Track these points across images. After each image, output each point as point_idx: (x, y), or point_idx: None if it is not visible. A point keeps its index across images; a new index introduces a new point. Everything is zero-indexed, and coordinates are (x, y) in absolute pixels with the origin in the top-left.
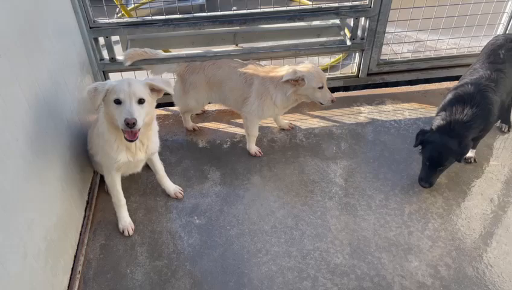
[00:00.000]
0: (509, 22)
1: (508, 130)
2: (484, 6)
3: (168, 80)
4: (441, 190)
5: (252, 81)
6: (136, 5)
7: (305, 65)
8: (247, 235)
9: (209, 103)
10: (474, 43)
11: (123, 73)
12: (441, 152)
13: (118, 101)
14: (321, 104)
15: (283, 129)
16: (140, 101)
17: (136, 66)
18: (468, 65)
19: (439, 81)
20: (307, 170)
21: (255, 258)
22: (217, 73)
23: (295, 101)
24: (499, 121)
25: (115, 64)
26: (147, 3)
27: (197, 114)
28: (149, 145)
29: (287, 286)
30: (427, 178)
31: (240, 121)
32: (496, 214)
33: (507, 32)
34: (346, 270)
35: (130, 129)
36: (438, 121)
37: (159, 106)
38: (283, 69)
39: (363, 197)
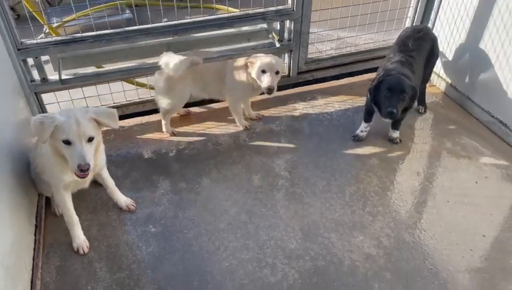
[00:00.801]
0: (415, 15)
1: (425, 111)
2: (392, 3)
3: (113, 111)
4: (375, 170)
5: (227, 60)
6: (59, 23)
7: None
8: (204, 236)
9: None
10: (387, 36)
11: (57, 93)
12: (399, 79)
13: (67, 142)
14: (263, 91)
15: (252, 119)
16: (90, 139)
17: (71, 84)
18: (384, 57)
19: (362, 74)
20: (253, 167)
21: (214, 256)
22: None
23: (253, 84)
24: (416, 104)
25: (47, 85)
26: (70, 21)
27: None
28: (96, 163)
29: (248, 276)
30: (392, 104)
31: (183, 129)
32: (423, 185)
33: (414, 24)
34: (301, 254)
35: (84, 173)
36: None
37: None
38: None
39: (307, 185)
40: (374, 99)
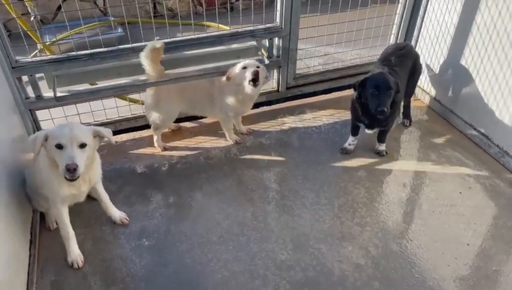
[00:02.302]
0: (399, 32)
1: (410, 124)
2: (377, 20)
3: (109, 130)
4: (363, 182)
5: (213, 80)
6: (53, 40)
7: None
8: (197, 249)
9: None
10: (373, 52)
11: (51, 110)
12: (384, 77)
13: (59, 146)
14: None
15: (242, 133)
16: (82, 146)
17: (66, 101)
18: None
19: (349, 88)
20: (244, 180)
21: (207, 268)
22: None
23: (239, 98)
24: (402, 117)
25: (41, 102)
26: (62, 39)
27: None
28: (91, 177)
29: (240, 287)
30: (381, 102)
31: (175, 143)
32: (409, 196)
33: (398, 40)
34: (291, 265)
35: (72, 175)
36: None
37: None
38: None
39: (297, 197)
40: (358, 96)
